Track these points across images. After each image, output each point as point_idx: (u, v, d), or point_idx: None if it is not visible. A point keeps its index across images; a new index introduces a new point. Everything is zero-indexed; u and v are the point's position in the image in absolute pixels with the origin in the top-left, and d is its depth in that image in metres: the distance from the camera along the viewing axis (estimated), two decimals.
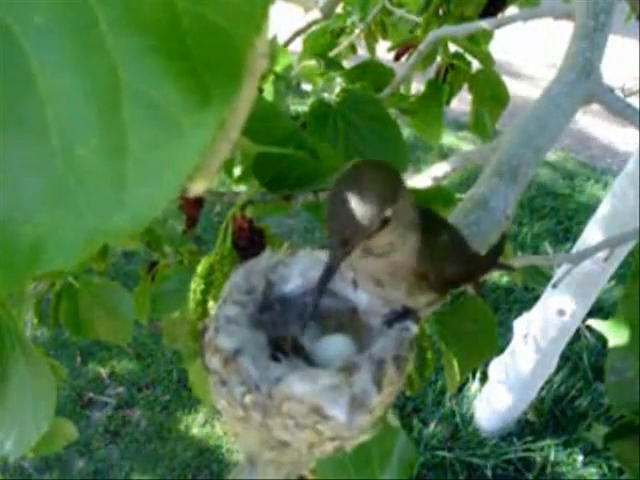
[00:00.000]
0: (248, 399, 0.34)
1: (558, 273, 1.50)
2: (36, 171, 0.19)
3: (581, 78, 0.58)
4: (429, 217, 0.39)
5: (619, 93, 0.68)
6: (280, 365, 0.35)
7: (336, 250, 0.34)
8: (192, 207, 0.68)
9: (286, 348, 0.38)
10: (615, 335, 0.71)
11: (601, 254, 1.52)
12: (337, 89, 0.87)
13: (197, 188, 0.23)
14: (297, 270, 0.41)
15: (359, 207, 0.33)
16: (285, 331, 0.39)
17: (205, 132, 0.19)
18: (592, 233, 1.81)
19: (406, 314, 0.39)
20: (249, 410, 0.34)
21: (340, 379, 0.34)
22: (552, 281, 1.38)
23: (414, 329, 0.38)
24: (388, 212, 0.34)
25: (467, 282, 0.43)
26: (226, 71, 0.20)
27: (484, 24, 0.83)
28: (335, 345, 0.39)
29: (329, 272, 0.35)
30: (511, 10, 1.24)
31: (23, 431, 0.47)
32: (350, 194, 0.34)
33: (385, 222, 0.34)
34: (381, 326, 0.39)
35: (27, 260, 0.19)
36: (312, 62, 0.94)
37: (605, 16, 0.63)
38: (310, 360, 0.38)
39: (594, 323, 0.76)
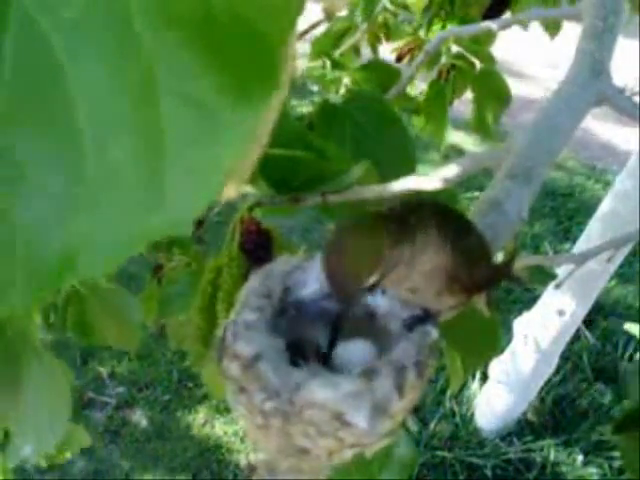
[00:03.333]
0: (268, 406, 0.33)
1: (560, 273, 1.50)
2: (67, 174, 0.18)
3: (591, 79, 0.57)
4: (455, 218, 0.39)
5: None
6: (300, 371, 0.35)
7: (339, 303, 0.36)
8: None
9: (305, 353, 0.37)
10: None
11: (604, 254, 1.52)
12: (343, 89, 0.87)
13: (229, 192, 0.22)
14: (314, 274, 0.40)
15: (342, 280, 0.35)
16: (303, 336, 0.39)
17: (246, 129, 0.19)
18: (593, 233, 1.81)
19: (426, 318, 0.39)
20: (269, 417, 0.34)
21: (362, 385, 0.34)
22: (554, 281, 1.37)
23: (435, 333, 0.37)
24: (372, 279, 0.35)
25: (491, 286, 0.43)
26: (261, 67, 0.19)
27: (491, 25, 0.83)
28: (354, 350, 0.38)
29: (338, 322, 0.37)
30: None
31: (40, 436, 0.47)
32: (335, 263, 0.35)
33: (373, 286, 0.35)
34: (400, 330, 0.38)
35: (58, 269, 0.19)
36: (318, 63, 0.93)
37: (614, 17, 0.63)
38: (329, 365, 0.38)
39: (632, 328, 0.77)
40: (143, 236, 0.19)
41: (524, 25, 1.15)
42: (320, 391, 0.33)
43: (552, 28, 1.29)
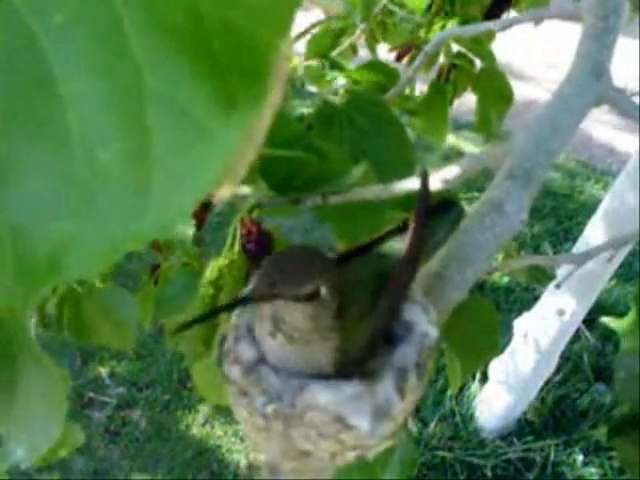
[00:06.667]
0: (270, 409, 0.33)
1: (559, 273, 1.50)
2: (56, 176, 0.18)
3: (592, 79, 0.57)
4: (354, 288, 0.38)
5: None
6: (302, 374, 0.35)
7: (261, 287, 0.33)
8: (201, 210, 0.68)
9: None
10: (626, 332, 0.72)
11: (604, 254, 1.52)
12: (341, 90, 0.87)
13: (224, 193, 0.22)
14: None
15: (299, 265, 0.34)
16: None
17: (231, 137, 0.19)
18: (593, 233, 1.81)
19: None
20: (271, 420, 0.34)
21: (363, 388, 0.34)
22: (554, 281, 1.38)
23: (435, 334, 0.37)
24: (323, 286, 0.33)
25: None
26: (251, 75, 0.19)
27: (492, 25, 0.83)
28: None
29: (244, 300, 0.35)
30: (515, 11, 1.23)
31: (34, 438, 0.47)
32: (293, 257, 0.35)
33: (315, 294, 0.33)
34: (400, 330, 0.38)
35: (46, 269, 0.19)
36: (316, 63, 0.93)
37: (614, 17, 0.63)
38: None
39: (608, 321, 0.77)
40: (129, 239, 0.19)
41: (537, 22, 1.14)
42: (321, 394, 0.33)
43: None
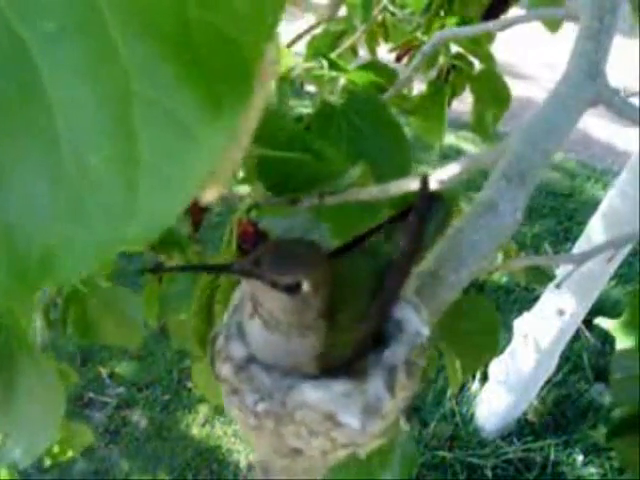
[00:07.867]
0: (261, 407, 0.34)
1: (559, 273, 1.50)
2: (47, 181, 0.19)
3: (587, 80, 0.57)
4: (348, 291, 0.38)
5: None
6: (292, 372, 0.35)
7: (245, 263, 0.34)
8: (198, 212, 0.68)
9: None
10: (622, 334, 0.72)
11: (604, 254, 1.52)
12: (339, 90, 0.87)
13: (210, 195, 0.23)
14: None
15: (291, 255, 0.34)
16: None
17: (217, 141, 0.19)
18: (593, 233, 1.81)
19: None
20: (262, 418, 0.34)
21: (353, 386, 0.34)
22: (554, 281, 1.38)
23: (425, 333, 0.37)
24: (306, 283, 0.33)
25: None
26: (236, 80, 0.20)
27: (491, 25, 0.83)
28: None
29: (224, 268, 0.38)
30: (513, 11, 1.23)
31: (32, 439, 0.47)
32: (288, 247, 0.36)
33: (296, 288, 0.34)
34: (391, 329, 0.38)
35: (39, 270, 0.19)
36: (315, 63, 0.93)
37: (610, 17, 0.63)
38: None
39: (602, 322, 0.77)
40: (118, 242, 0.20)
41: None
42: (312, 392, 0.33)
43: (552, 25, 1.29)
